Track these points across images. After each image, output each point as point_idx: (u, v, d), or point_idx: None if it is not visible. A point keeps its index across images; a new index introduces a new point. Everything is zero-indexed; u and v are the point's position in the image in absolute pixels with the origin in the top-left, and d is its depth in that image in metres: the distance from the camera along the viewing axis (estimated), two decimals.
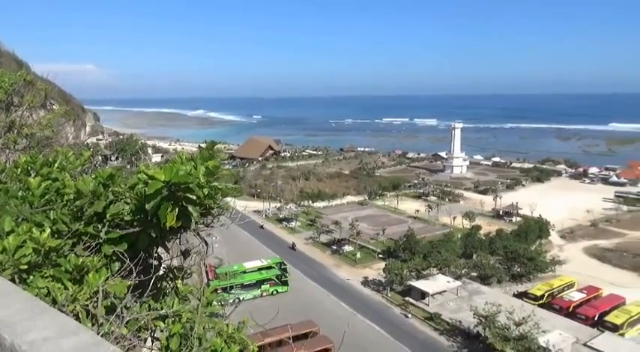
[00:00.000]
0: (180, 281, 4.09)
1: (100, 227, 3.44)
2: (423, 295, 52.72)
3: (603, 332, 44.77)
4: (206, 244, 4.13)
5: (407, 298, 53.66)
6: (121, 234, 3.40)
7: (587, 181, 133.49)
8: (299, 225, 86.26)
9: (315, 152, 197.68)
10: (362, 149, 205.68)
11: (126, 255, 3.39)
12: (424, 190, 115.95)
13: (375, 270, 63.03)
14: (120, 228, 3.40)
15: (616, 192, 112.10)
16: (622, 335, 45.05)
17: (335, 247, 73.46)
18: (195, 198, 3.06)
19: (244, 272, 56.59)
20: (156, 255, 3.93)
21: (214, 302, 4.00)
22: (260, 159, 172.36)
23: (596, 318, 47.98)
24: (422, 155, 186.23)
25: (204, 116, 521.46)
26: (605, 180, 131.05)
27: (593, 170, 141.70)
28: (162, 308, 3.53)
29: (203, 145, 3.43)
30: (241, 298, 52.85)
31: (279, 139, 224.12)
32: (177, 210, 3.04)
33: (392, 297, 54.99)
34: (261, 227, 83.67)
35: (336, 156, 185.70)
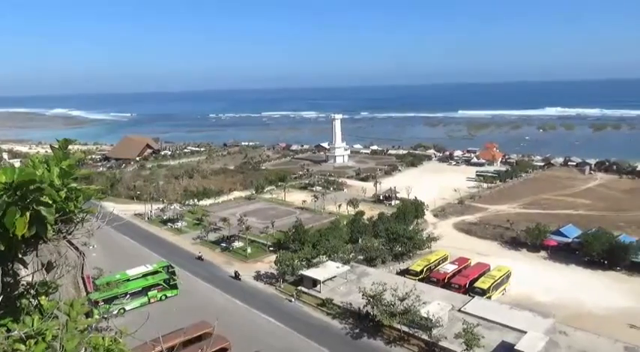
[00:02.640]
0: (44, 297, 3.66)
1: None
2: (314, 283, 54.15)
3: (474, 297, 50.09)
4: (82, 255, 3.73)
5: (299, 287, 54.70)
6: None
7: (453, 163, 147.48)
8: (185, 225, 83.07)
9: (197, 149, 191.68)
10: (246, 143, 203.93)
11: None
12: (309, 181, 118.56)
13: (267, 263, 63.20)
14: None
15: (477, 171, 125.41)
16: (489, 297, 50.79)
17: (224, 244, 72.13)
18: (49, 200, 2.71)
19: (128, 280, 53.11)
20: (12, 271, 3.46)
21: (96, 315, 3.66)
22: (138, 158, 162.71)
23: (467, 286, 53.41)
24: (305, 147, 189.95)
25: (67, 115, 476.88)
26: (468, 162, 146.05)
27: (458, 153, 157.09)
28: (21, 329, 3.12)
29: (55, 145, 3.05)
30: (126, 308, 49.71)
31: (158, 137, 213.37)
32: (28, 215, 2.67)
33: (285, 288, 55.64)
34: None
35: (220, 152, 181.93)
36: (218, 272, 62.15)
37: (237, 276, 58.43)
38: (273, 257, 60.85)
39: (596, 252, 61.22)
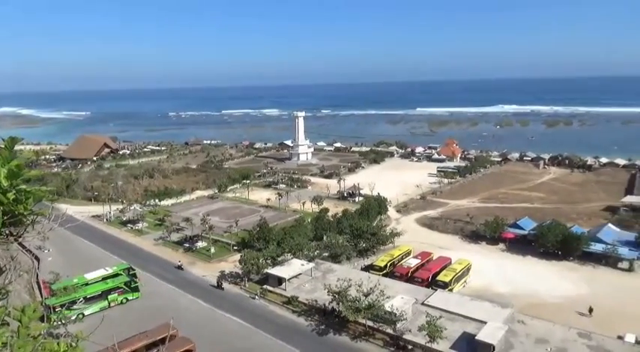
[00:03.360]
0: None
1: None
2: (279, 281, 54.04)
3: (436, 290, 51.25)
4: (36, 259, 3.59)
5: (265, 286, 54.44)
6: None
7: (415, 159, 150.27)
8: (146, 226, 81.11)
9: (158, 148, 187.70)
10: (208, 142, 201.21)
11: None
12: (273, 179, 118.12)
13: (231, 263, 62.60)
14: None
15: (438, 167, 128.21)
16: (451, 290, 52.07)
17: (187, 245, 70.92)
18: None
19: (86, 284, 51.43)
20: None
21: (53, 321, 3.53)
22: (95, 158, 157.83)
23: (429, 279, 54.59)
24: (269, 144, 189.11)
25: (16, 114, 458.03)
26: (429, 158, 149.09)
27: (419, 149, 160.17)
28: None
29: (1, 145, 2.90)
30: (85, 313, 48.20)
31: (116, 136, 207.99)
32: None
33: (250, 287, 55.26)
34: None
35: (182, 151, 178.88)
36: (180, 272, 61.04)
37: (219, 285, 55.46)
38: (238, 256, 60.34)
39: (551, 243, 63.81)
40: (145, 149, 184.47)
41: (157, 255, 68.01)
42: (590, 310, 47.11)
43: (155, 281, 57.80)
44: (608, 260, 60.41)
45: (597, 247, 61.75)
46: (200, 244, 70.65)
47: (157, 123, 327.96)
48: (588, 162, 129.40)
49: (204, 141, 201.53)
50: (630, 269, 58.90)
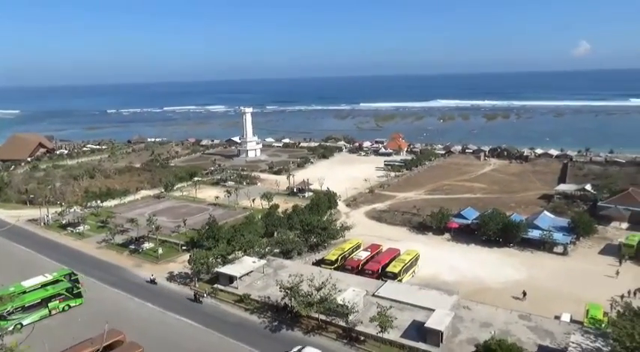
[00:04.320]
0: None
1: None
2: (230, 279, 53.34)
3: (386, 281, 52.40)
4: None
5: (216, 285, 53.59)
6: None
7: (363, 154, 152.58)
8: (88, 229, 77.55)
9: (98, 146, 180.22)
10: (152, 139, 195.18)
11: None
12: (222, 176, 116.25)
13: (180, 263, 61.16)
14: None
15: (385, 161, 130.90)
16: (400, 280, 53.40)
17: (133, 246, 68.47)
18: None
19: (24, 292, 48.57)
20: None
21: None
22: (29, 159, 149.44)
23: (380, 271, 55.71)
24: (216, 141, 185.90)
25: None
26: (376, 152, 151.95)
27: (367, 144, 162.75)
28: None
29: None
30: (24, 322, 45.62)
31: (52, 135, 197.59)
32: None
33: (200, 287, 54.18)
34: None
35: (124, 149, 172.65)
36: (127, 275, 58.94)
37: (197, 299, 51.05)
38: (187, 256, 59.02)
39: (492, 231, 66.90)
40: (85, 148, 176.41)
41: (100, 258, 65.26)
42: (524, 294, 49.91)
43: (99, 286, 55.47)
44: (544, 245, 64.04)
45: (534, 233, 65.34)
46: (147, 245, 68.44)
47: (96, 121, 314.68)
48: (525, 153, 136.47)
49: (148, 139, 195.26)
50: (564, 253, 62.78)
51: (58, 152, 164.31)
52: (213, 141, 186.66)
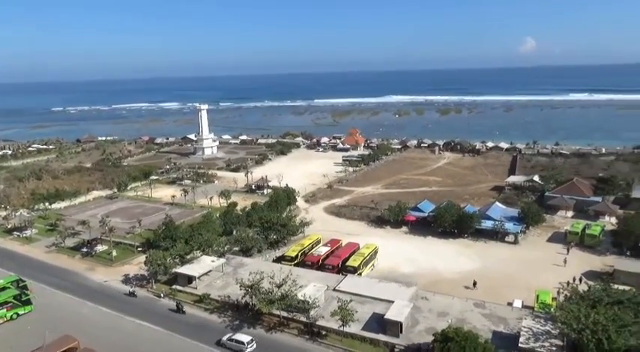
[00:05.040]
0: None
1: None
2: (189, 279, 52.38)
3: (346, 275, 52.96)
4: None
5: (174, 286, 52.48)
6: None
7: (321, 150, 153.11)
8: (36, 233, 74.06)
9: (45, 146, 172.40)
10: (103, 138, 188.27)
11: None
12: (178, 175, 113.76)
13: (136, 265, 59.57)
14: None
15: (343, 156, 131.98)
16: (360, 274, 54.11)
17: (85, 249, 65.94)
18: None
19: None
20: None
21: None
22: None
23: (340, 265, 56.21)
24: (171, 139, 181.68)
25: None
26: (334, 147, 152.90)
27: (325, 139, 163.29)
28: None
29: None
30: None
31: None
32: None
33: (157, 288, 52.92)
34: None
35: (73, 149, 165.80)
36: (79, 280, 56.74)
37: (179, 309, 47.96)
38: (143, 257, 57.46)
39: (447, 222, 68.86)
40: (30, 148, 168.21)
41: (50, 263, 62.52)
42: (474, 283, 51.77)
43: (50, 291, 53.17)
44: (497, 235, 66.53)
45: (487, 224, 67.75)
46: (100, 248, 66.12)
47: (42, 120, 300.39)
48: (477, 147, 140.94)
49: (99, 138, 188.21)
50: (515, 242, 65.50)
51: (0, 153, 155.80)
52: (167, 139, 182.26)
